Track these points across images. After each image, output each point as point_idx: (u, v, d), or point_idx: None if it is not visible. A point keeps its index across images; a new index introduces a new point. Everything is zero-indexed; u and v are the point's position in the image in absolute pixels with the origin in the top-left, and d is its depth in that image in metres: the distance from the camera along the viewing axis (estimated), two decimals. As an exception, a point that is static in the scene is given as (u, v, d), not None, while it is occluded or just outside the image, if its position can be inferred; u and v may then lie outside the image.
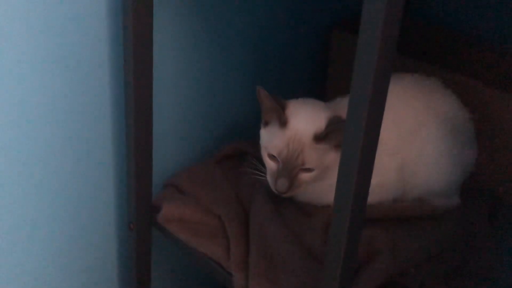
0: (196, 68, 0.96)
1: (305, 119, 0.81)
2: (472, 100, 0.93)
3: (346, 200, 0.58)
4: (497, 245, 0.94)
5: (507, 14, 1.06)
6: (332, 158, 0.80)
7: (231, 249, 0.83)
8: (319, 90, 1.21)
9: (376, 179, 0.73)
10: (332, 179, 0.82)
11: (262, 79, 1.09)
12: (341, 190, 0.58)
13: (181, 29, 0.91)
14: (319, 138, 0.79)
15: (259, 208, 0.86)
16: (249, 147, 0.98)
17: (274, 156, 0.81)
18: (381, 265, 0.77)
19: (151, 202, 0.92)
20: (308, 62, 1.17)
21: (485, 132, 0.94)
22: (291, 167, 0.79)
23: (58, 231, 0.89)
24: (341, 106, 0.88)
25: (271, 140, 0.82)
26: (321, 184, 0.83)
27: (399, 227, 0.85)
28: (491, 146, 0.95)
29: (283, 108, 0.82)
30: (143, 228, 0.91)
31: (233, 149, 1.00)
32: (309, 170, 0.80)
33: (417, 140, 0.86)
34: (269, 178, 0.83)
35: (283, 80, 1.14)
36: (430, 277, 0.83)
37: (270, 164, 0.82)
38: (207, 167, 0.97)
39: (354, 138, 0.55)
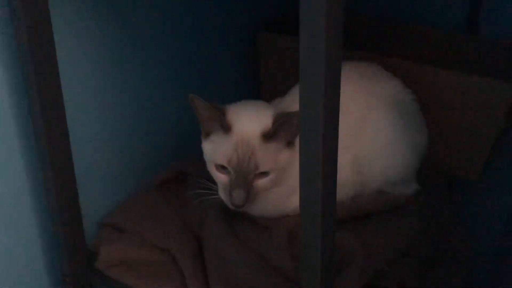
0: (117, 85, 0.86)
1: (250, 119, 0.74)
2: (412, 81, 0.90)
3: (314, 200, 0.50)
4: (461, 224, 0.91)
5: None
6: (286, 157, 0.73)
7: (187, 285, 0.73)
8: (254, 95, 1.14)
9: None
10: (287, 184, 0.75)
11: (191, 89, 1.00)
12: (306, 191, 0.50)
13: (94, 45, 0.80)
14: (267, 136, 0.72)
15: (213, 233, 0.76)
16: (191, 166, 0.88)
17: (223, 167, 0.72)
18: (356, 270, 0.71)
19: (86, 248, 0.79)
20: (238, 67, 1.10)
21: (430, 112, 0.91)
22: (244, 174, 0.71)
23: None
24: (284, 106, 0.81)
25: (216, 150, 0.74)
26: (276, 192, 0.75)
27: (365, 226, 0.79)
28: (437, 124, 0.92)
29: (223, 113, 0.73)
30: (80, 280, 0.79)
31: (173, 172, 0.90)
32: (264, 174, 0.72)
33: (367, 129, 0.81)
34: (222, 193, 0.75)
35: (215, 89, 1.06)
36: (406, 272, 0.77)
37: (221, 177, 0.74)
38: (146, 197, 0.86)
39: (312, 137, 0.48)
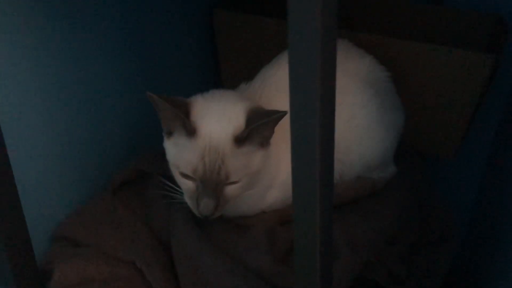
0: (58, 83, 0.75)
1: (218, 119, 0.64)
2: (384, 56, 0.84)
3: (311, 192, 0.42)
4: (442, 203, 0.87)
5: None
6: (259, 160, 0.65)
7: (158, 299, 0.65)
8: (212, 78, 1.06)
9: None
10: (262, 182, 0.68)
11: (144, 78, 0.90)
12: (300, 182, 0.42)
13: (33, 43, 0.69)
14: (240, 139, 0.63)
15: (182, 238, 0.68)
16: (151, 163, 0.79)
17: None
18: (344, 266, 0.65)
19: (38, 268, 0.69)
20: (194, 49, 1.01)
21: (403, 88, 0.86)
22: (212, 185, 0.63)
23: None
24: (252, 93, 0.74)
25: (180, 155, 0.64)
26: (250, 193, 0.68)
27: (347, 216, 0.73)
28: (412, 101, 0.88)
29: (186, 111, 0.64)
30: (34, 305, 0.68)
31: (131, 172, 0.80)
32: (235, 181, 0.64)
33: (343, 111, 0.74)
34: (188, 200, 0.67)
35: (170, 75, 0.96)
36: (394, 260, 0.73)
37: (186, 184, 0.65)
38: (102, 203, 0.77)
39: (307, 132, 0.40)
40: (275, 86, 0.73)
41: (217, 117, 0.64)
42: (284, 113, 0.61)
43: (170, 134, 0.66)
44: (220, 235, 0.70)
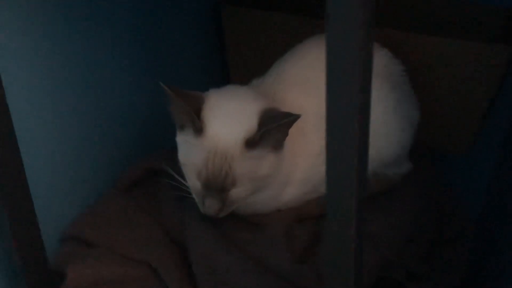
0: (67, 81, 0.73)
1: (229, 119, 0.61)
2: (398, 50, 0.83)
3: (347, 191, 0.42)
4: (458, 200, 0.86)
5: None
6: (270, 163, 0.62)
7: (174, 300, 0.64)
8: (222, 74, 1.05)
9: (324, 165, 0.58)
10: (273, 184, 0.66)
11: (156, 77, 0.88)
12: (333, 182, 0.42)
13: (37, 41, 0.67)
14: (252, 143, 0.60)
15: (198, 237, 0.66)
16: (162, 160, 0.77)
17: None
18: (367, 259, 0.64)
19: (49, 269, 0.67)
20: (202, 46, 0.99)
21: (416, 82, 0.85)
22: (217, 188, 0.61)
23: None
24: (266, 89, 0.72)
25: (187, 153, 0.62)
26: (263, 192, 0.66)
27: (364, 212, 0.71)
28: (425, 96, 0.86)
29: (198, 107, 0.62)
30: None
31: (142, 170, 0.78)
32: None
33: None
34: (195, 197, 0.65)
35: (180, 73, 0.95)
36: (413, 259, 0.71)
37: (193, 182, 0.63)
38: (113, 201, 0.75)
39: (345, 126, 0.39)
40: (290, 82, 0.71)
41: (228, 118, 0.61)
42: (298, 116, 0.60)
43: (182, 128, 0.64)
44: (236, 233, 0.68)
